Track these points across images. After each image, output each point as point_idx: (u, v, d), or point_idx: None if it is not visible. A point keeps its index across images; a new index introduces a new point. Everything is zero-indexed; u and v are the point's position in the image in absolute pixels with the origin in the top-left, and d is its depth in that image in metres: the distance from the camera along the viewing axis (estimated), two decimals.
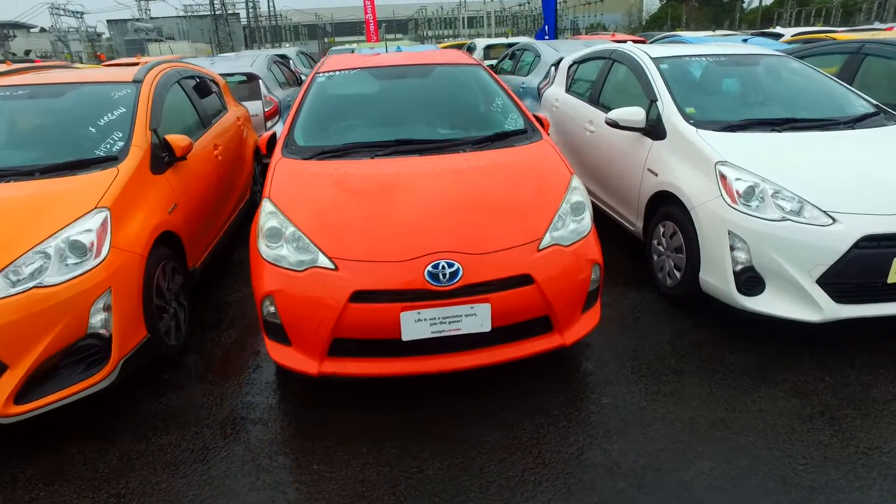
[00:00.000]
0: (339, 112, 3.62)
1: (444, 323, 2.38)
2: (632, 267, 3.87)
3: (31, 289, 2.38)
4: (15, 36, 58.64)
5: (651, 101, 3.74)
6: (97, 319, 2.52)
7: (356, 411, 2.63)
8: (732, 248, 2.89)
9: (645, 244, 3.71)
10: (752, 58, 4.27)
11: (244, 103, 6.07)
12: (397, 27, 59.41)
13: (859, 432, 2.38)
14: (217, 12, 43.75)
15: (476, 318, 2.39)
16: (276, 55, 8.49)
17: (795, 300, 2.81)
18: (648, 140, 3.65)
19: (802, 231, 2.75)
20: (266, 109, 6.42)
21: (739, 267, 2.89)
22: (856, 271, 2.72)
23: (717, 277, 2.99)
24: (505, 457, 2.33)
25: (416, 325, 2.36)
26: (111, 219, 2.67)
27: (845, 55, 5.34)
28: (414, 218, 2.56)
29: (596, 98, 4.66)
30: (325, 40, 49.48)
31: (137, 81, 3.58)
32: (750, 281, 2.89)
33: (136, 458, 2.42)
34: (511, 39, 11.55)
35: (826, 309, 2.76)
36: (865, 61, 5.09)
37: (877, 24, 17.24)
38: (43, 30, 59.87)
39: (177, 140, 3.32)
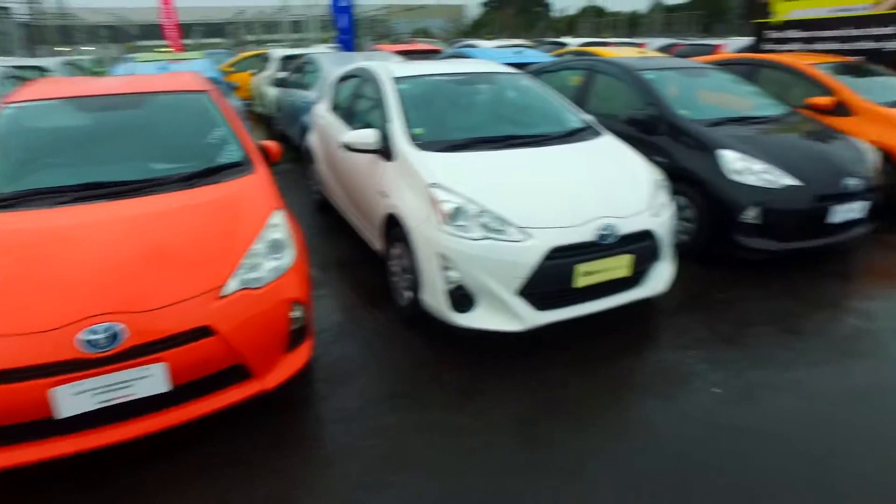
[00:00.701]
0: (23, 151, 3.14)
1: (111, 390, 2.15)
2: (380, 287, 3.90)
3: None
4: None
5: (385, 122, 3.81)
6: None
7: None
8: (445, 268, 3.02)
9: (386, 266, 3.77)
10: (489, 76, 4.56)
11: None
12: (214, 32, 55.75)
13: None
14: None
15: (152, 379, 2.20)
16: (22, 67, 7.39)
17: (501, 313, 3.02)
18: (382, 162, 3.71)
19: (501, 248, 2.95)
20: None
21: (451, 286, 3.03)
22: (547, 281, 2.99)
23: (434, 297, 3.11)
24: None
25: (75, 399, 2.09)
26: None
27: (583, 71, 5.99)
28: (68, 278, 2.28)
29: (350, 117, 4.67)
30: (127, 44, 44.93)
31: None
32: (461, 299, 3.04)
33: None
34: (306, 50, 11.28)
35: (527, 318, 3.01)
36: (597, 77, 5.74)
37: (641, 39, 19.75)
38: None
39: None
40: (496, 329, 3.02)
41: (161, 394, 2.24)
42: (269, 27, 57.69)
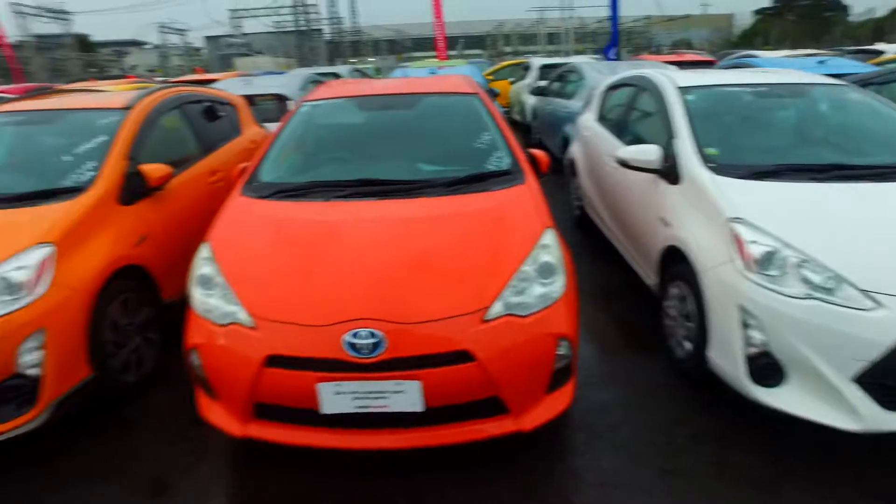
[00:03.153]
0: (311, 146, 3.43)
1: (368, 398, 2.08)
2: (650, 327, 3.36)
3: None
4: (129, 52, 64.10)
5: (669, 138, 3.28)
6: (27, 359, 2.42)
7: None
8: (746, 326, 2.39)
9: (660, 304, 3.22)
10: (802, 88, 3.68)
11: (274, 124, 6.05)
12: (473, 43, 59.66)
13: None
14: (301, 28, 45.70)
15: (405, 395, 2.08)
16: (322, 73, 8.53)
17: (825, 400, 2.23)
18: (664, 184, 3.19)
19: (834, 315, 2.19)
20: None
21: (753, 350, 2.38)
22: None
23: (726, 358, 2.48)
24: None
25: (336, 397, 2.08)
26: (57, 254, 2.58)
27: None
28: (343, 276, 2.29)
29: (621, 129, 4.22)
30: (399, 55, 50.55)
31: (127, 108, 3.54)
32: (766, 369, 2.35)
33: None
34: (567, 59, 11.07)
35: (867, 416, 2.16)
36: None
37: None
38: (156, 46, 65.02)
39: (152, 171, 3.22)
40: (817, 421, 2.25)
41: (414, 412, 2.10)
42: (525, 39, 59.68)
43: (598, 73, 6.65)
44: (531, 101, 9.90)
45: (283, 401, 2.17)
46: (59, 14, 44.95)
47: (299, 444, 2.22)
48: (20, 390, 2.44)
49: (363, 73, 12.21)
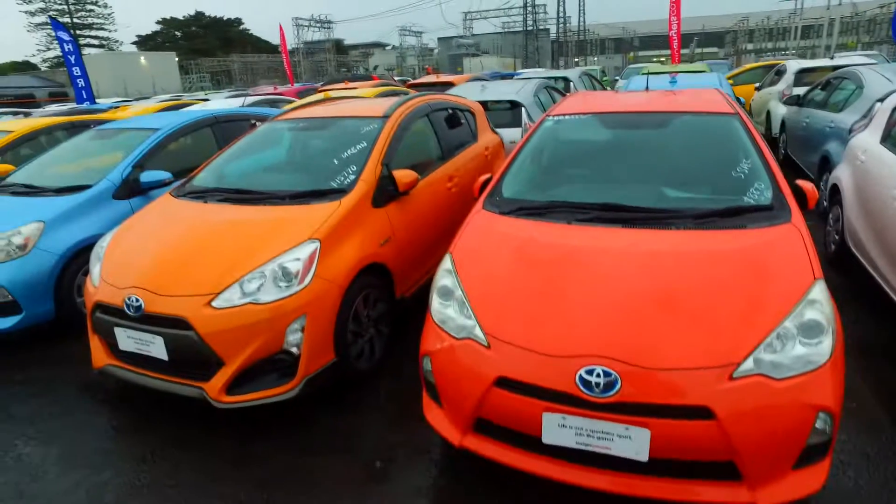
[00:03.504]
0: (554, 163, 3.38)
1: (592, 437, 2.01)
2: None
3: (248, 303, 2.78)
4: (373, 53, 72.13)
5: None
6: (291, 339, 2.82)
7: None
8: None
9: None
10: None
11: (506, 130, 6.24)
12: (710, 40, 54.42)
13: None
14: (529, 28, 46.51)
15: (630, 441, 1.96)
16: (555, 77, 8.52)
17: None
18: None
19: None
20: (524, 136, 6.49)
21: None
22: None
23: None
24: None
25: (558, 429, 2.05)
26: (320, 250, 2.96)
27: None
28: (582, 307, 2.22)
29: None
30: (629, 55, 48.33)
31: (385, 117, 3.91)
32: None
33: (288, 471, 2.65)
34: (832, 61, 9.40)
35: None
36: None
37: None
38: (394, 47, 72.18)
39: (402, 176, 3.52)
40: None
41: (636, 460, 1.98)
42: (772, 34, 52.83)
43: (885, 81, 5.54)
44: (780, 110, 8.71)
45: (506, 422, 2.20)
46: (325, 23, 52.32)
47: (513, 466, 2.23)
48: (283, 364, 2.87)
49: (591, 76, 11.95)
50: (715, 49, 52.00)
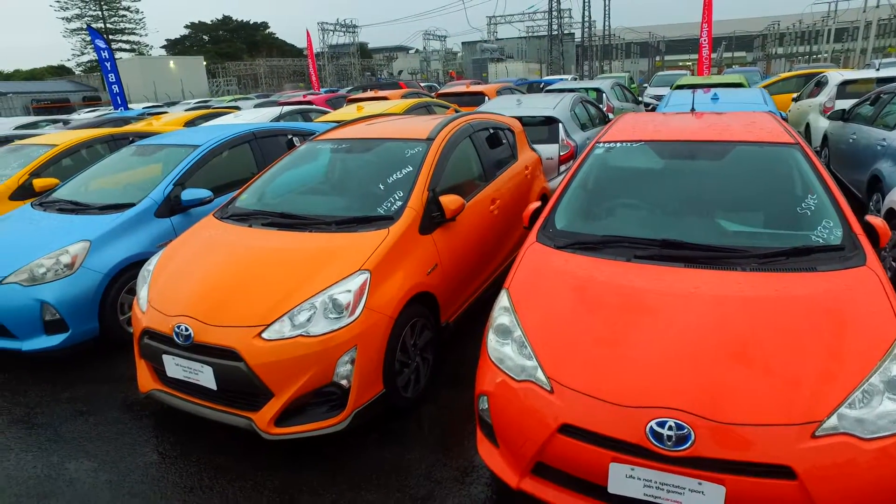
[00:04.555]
0: (607, 193, 3.30)
1: (661, 489, 1.94)
2: None
3: (299, 335, 2.76)
4: (397, 57, 72.54)
5: None
6: (341, 371, 2.79)
7: None
8: None
9: None
10: None
11: (543, 146, 6.17)
12: (739, 45, 53.49)
13: None
14: (554, 33, 46.27)
15: (703, 497, 1.89)
16: (587, 89, 8.41)
17: None
18: None
19: None
20: (562, 153, 6.41)
21: None
22: None
23: None
24: None
25: (626, 480, 1.98)
26: (370, 280, 2.93)
27: None
28: (648, 354, 2.14)
29: None
30: (656, 60, 47.74)
31: (430, 139, 3.87)
32: None
33: None
34: (879, 73, 9.09)
35: None
36: None
37: None
38: (417, 51, 72.54)
39: (449, 202, 3.47)
40: None
41: None
42: (804, 38, 51.76)
43: None
44: (822, 123, 8.48)
45: (568, 468, 2.14)
46: (350, 27, 52.73)
47: None
48: (332, 397, 2.84)
49: (623, 87, 11.79)
50: (743, 53, 51.10)
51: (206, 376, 2.88)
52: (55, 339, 3.97)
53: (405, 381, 3.17)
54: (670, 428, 1.91)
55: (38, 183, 5.63)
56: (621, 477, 1.99)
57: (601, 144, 3.51)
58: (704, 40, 18.77)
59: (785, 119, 7.39)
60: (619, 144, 3.47)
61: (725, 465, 1.87)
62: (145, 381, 3.22)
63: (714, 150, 3.22)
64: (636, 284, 2.46)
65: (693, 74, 21.27)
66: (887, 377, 1.92)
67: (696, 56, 22.27)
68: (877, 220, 2.66)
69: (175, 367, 2.98)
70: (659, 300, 2.35)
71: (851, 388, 1.90)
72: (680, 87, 9.89)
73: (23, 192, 5.68)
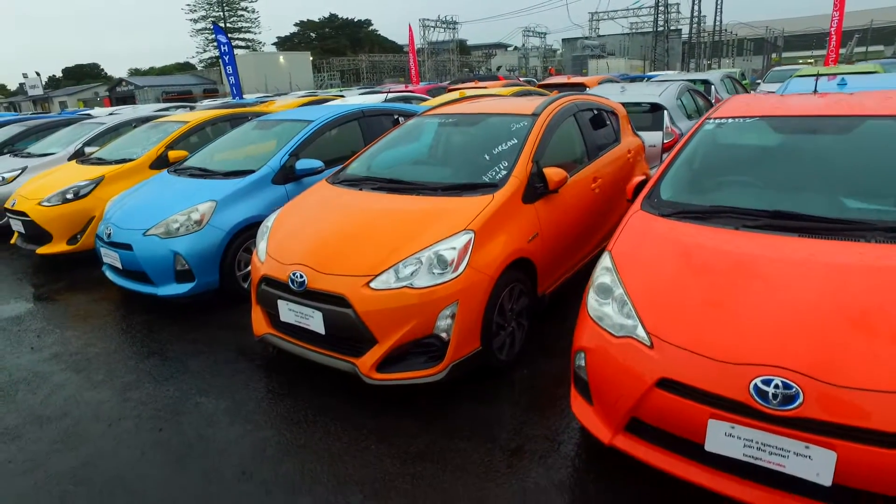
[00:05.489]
0: (716, 167, 3.19)
1: (763, 450, 1.89)
2: None
3: (404, 287, 2.92)
4: (495, 54, 72.62)
5: None
6: (442, 324, 2.92)
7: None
8: None
9: None
10: None
11: (647, 133, 6.03)
12: (875, 38, 48.52)
13: None
14: (659, 29, 44.41)
15: (810, 462, 1.82)
16: (694, 80, 8.08)
17: None
18: None
19: None
20: (666, 141, 6.23)
21: None
22: None
23: None
24: None
25: (725, 438, 1.95)
26: (474, 240, 3.03)
27: None
28: (757, 315, 2.08)
29: None
30: (773, 56, 44.48)
31: (535, 115, 3.93)
32: None
33: (437, 452, 2.74)
34: None
35: None
36: None
37: None
38: (516, 48, 72.22)
39: (552, 174, 3.51)
40: None
41: (810, 483, 1.84)
42: None
43: None
44: None
45: (664, 425, 2.13)
46: (451, 24, 53.44)
47: (667, 472, 2.15)
48: (432, 348, 2.98)
49: (734, 79, 11.17)
50: (881, 47, 46.33)
51: (316, 321, 3.11)
52: (184, 287, 4.42)
53: (501, 343, 3.26)
54: (776, 386, 1.86)
55: (172, 154, 6.24)
56: (720, 435, 1.96)
57: (711, 120, 3.41)
58: (833, 31, 17.27)
59: None
60: (731, 120, 3.34)
61: (837, 428, 1.79)
62: (260, 325, 3.52)
63: (840, 125, 3.02)
64: (745, 250, 2.39)
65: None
66: None
67: (819, 53, 20.56)
68: None
69: (288, 311, 3.24)
70: (770, 266, 2.27)
71: None
72: (801, 76, 9.20)
73: (160, 163, 6.34)
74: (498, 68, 56.40)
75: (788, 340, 1.97)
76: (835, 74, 7.98)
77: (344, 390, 3.27)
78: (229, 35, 62.63)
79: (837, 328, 1.97)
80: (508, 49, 76.21)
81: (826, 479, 1.82)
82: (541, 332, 3.76)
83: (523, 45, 63.90)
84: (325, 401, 3.22)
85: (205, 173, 5.24)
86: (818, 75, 4.84)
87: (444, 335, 2.93)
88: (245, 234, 4.66)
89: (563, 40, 65.37)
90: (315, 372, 3.46)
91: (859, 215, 2.52)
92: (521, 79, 24.46)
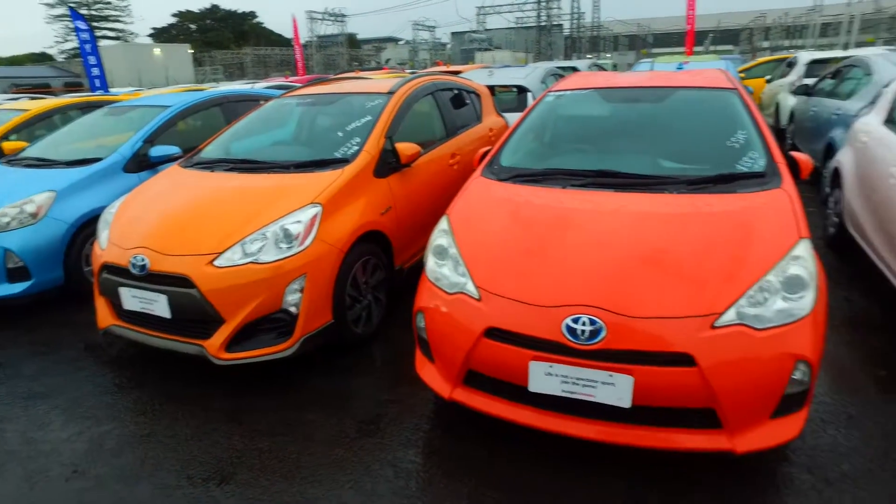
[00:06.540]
0: (552, 135, 3.44)
1: (577, 384, 2.06)
2: None
3: (249, 263, 2.85)
4: (385, 47, 72.27)
5: None
6: (290, 298, 2.89)
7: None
8: None
9: None
10: None
11: (512, 115, 6.27)
12: (725, 38, 53.85)
13: None
14: (542, 23, 46.38)
15: (614, 388, 2.01)
16: (560, 67, 8.55)
17: None
18: None
19: None
20: None
21: None
22: None
23: None
24: None
25: (545, 378, 2.10)
26: (322, 214, 3.03)
27: None
28: (572, 262, 2.27)
29: None
30: (642, 51, 47.99)
31: (390, 93, 3.97)
32: None
33: (286, 425, 2.72)
34: (847, 52, 9.30)
35: None
36: None
37: None
38: (406, 42, 72.34)
39: (405, 148, 3.58)
40: None
41: (618, 408, 2.03)
42: (790, 32, 52.22)
43: (894, 67, 5.51)
44: (790, 101, 8.66)
45: (495, 372, 2.26)
46: (339, 17, 52.48)
47: (500, 417, 2.28)
48: (281, 323, 2.94)
49: (601, 68, 11.95)
50: (730, 47, 51.47)
51: (160, 305, 2.97)
52: (17, 287, 4.03)
53: (356, 317, 3.28)
54: (584, 323, 2.03)
55: (7, 145, 5.65)
56: (541, 375, 2.11)
57: (551, 93, 3.64)
58: (689, 27, 18.98)
59: (750, 93, 7.54)
60: (568, 92, 3.60)
61: (633, 355, 2.00)
62: (104, 317, 3.30)
63: (655, 95, 3.38)
64: (567, 205, 2.61)
65: None
66: (783, 276, 2.06)
67: (682, 49, 22.52)
68: (800, 155, 2.82)
69: (131, 298, 3.06)
70: (586, 217, 2.49)
71: (749, 285, 2.03)
72: (660, 62, 10.06)
73: None
74: (387, 61, 56.25)
75: (594, 281, 2.16)
76: (686, 62, 8.82)
77: (195, 376, 3.15)
78: (95, 24, 57.40)
79: (634, 266, 2.20)
80: (399, 43, 76.16)
81: (626, 402, 2.01)
82: (401, 306, 3.82)
83: (413, 38, 64.18)
84: (175, 389, 3.09)
85: (45, 163, 4.79)
86: (654, 61, 5.30)
87: (292, 309, 2.90)
88: (93, 226, 4.32)
89: (452, 34, 66.41)
90: (166, 361, 3.30)
91: (667, 171, 2.81)
92: (408, 71, 24.60)
